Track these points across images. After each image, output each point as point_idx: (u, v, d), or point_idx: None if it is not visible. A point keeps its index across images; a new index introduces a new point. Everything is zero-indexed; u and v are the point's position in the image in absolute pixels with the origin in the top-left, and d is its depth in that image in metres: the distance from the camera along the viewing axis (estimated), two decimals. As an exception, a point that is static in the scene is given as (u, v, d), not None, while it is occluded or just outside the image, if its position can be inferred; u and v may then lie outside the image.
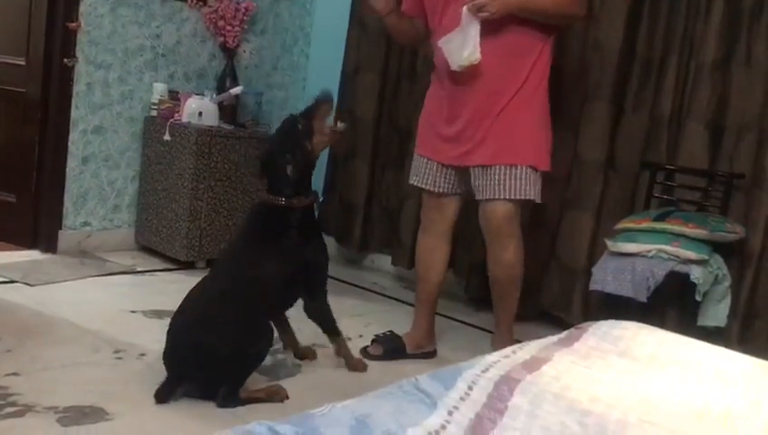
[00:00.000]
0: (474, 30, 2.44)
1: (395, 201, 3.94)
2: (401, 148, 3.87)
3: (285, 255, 2.32)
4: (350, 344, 2.82)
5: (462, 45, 2.46)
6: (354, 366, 2.55)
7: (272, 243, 2.33)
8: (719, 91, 2.93)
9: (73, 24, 3.48)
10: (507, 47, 2.52)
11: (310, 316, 2.46)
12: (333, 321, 2.48)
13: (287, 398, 2.23)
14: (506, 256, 2.67)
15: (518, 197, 2.57)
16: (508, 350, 1.54)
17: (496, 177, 2.56)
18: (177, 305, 2.26)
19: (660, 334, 1.83)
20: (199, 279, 2.34)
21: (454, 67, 2.50)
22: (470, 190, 2.67)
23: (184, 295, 2.27)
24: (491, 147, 2.55)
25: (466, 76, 2.50)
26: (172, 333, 2.18)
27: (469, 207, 2.77)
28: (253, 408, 2.14)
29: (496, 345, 2.68)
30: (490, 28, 2.46)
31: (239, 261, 2.34)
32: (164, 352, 2.18)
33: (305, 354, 2.58)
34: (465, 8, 2.43)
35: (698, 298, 2.65)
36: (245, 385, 2.19)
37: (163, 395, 2.11)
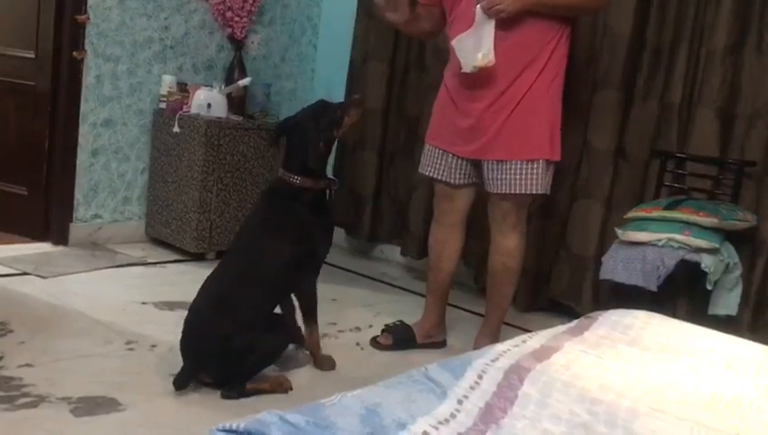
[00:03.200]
0: (488, 30, 2.38)
1: (404, 191, 3.94)
2: (410, 138, 3.86)
3: (295, 236, 2.31)
4: (360, 335, 2.84)
5: (475, 47, 2.40)
6: (320, 363, 2.45)
7: (283, 224, 2.32)
8: (730, 79, 2.91)
9: (82, 17, 3.49)
10: (523, 41, 2.46)
11: (297, 296, 2.43)
12: (315, 306, 2.42)
13: (291, 389, 2.24)
14: (506, 243, 2.65)
15: (532, 192, 2.56)
16: (518, 339, 1.54)
17: (512, 172, 2.53)
18: (189, 296, 2.27)
19: (671, 323, 1.83)
20: (209, 271, 2.35)
21: (467, 69, 2.43)
22: (483, 181, 2.65)
23: (195, 287, 2.28)
24: (508, 141, 2.52)
25: (483, 71, 2.44)
26: (188, 319, 2.21)
27: (482, 199, 2.76)
28: (263, 398, 2.16)
29: (478, 342, 2.69)
30: (505, 22, 2.40)
31: (252, 243, 2.35)
32: (181, 339, 2.20)
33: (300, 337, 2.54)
34: (478, 7, 2.38)
35: (709, 287, 2.64)
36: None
37: (180, 382, 2.13)
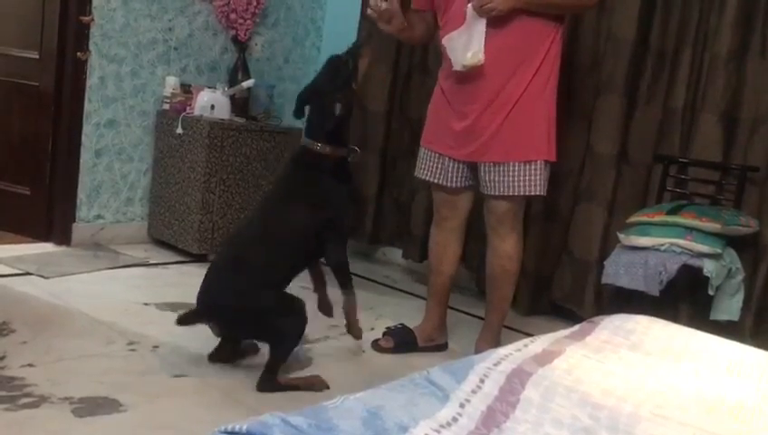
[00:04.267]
0: (478, 29, 2.39)
1: (406, 194, 3.94)
2: (412, 140, 3.85)
3: (314, 202, 2.33)
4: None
5: (466, 45, 2.41)
6: (352, 329, 2.47)
7: (302, 189, 2.35)
8: (733, 84, 2.91)
9: (86, 18, 3.50)
10: (516, 40, 2.45)
11: (331, 267, 2.42)
12: (349, 275, 2.43)
13: (327, 388, 2.26)
14: (504, 246, 2.65)
15: (529, 193, 2.55)
16: (520, 343, 1.54)
17: (510, 173, 2.52)
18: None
19: (673, 328, 1.82)
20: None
21: (457, 67, 2.45)
22: (479, 183, 2.64)
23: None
24: (505, 143, 2.51)
25: (476, 71, 2.45)
26: (207, 273, 2.28)
27: (482, 201, 2.76)
28: (266, 399, 2.16)
29: (479, 345, 2.68)
30: (498, 21, 2.40)
31: (272, 206, 2.39)
32: (198, 292, 2.26)
33: (327, 309, 2.55)
34: (469, 6, 2.38)
35: (711, 292, 2.64)
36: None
37: (185, 320, 2.27)
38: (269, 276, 2.23)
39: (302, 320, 2.26)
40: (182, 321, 2.25)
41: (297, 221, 2.30)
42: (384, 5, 2.48)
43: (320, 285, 2.51)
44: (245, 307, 2.21)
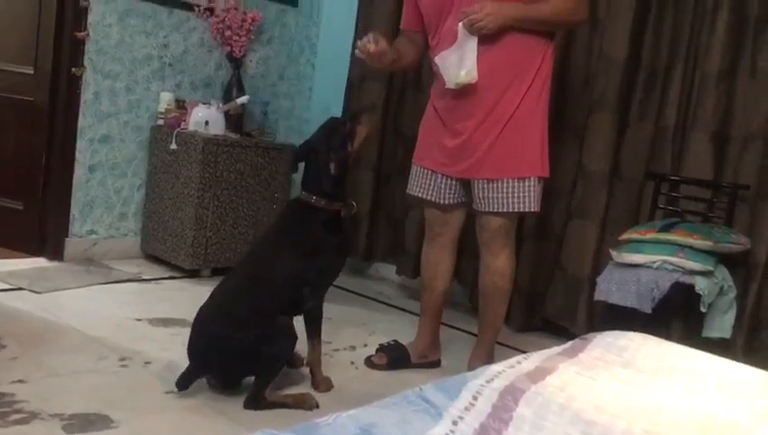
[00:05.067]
0: (470, 47, 2.40)
1: (399, 210, 3.95)
2: (406, 157, 3.85)
3: (304, 251, 2.34)
4: (354, 354, 2.84)
5: (458, 64, 2.42)
6: (317, 383, 2.41)
7: (293, 237, 2.36)
8: (724, 102, 2.94)
9: (82, 34, 3.51)
10: (509, 56, 2.47)
11: (304, 313, 2.41)
12: (319, 323, 2.42)
13: (317, 406, 2.24)
14: (496, 263, 2.64)
15: (523, 209, 2.56)
16: (513, 360, 1.54)
17: (503, 190, 2.52)
18: (183, 313, 2.28)
19: (665, 345, 1.83)
20: (204, 287, 2.36)
21: (449, 85, 2.45)
22: (472, 199, 2.64)
23: (189, 303, 2.29)
24: (498, 159, 2.52)
25: (469, 88, 2.46)
26: (194, 321, 2.26)
27: (474, 217, 2.77)
28: (257, 417, 2.15)
29: (472, 362, 2.67)
30: (489, 38, 2.42)
31: (262, 252, 2.40)
32: (188, 342, 2.24)
33: (294, 362, 2.54)
34: (460, 25, 2.39)
35: (703, 309, 2.64)
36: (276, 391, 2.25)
37: (182, 382, 2.20)
38: (252, 324, 2.20)
39: (290, 341, 2.26)
40: (180, 384, 2.20)
41: (284, 269, 2.31)
42: (372, 47, 2.45)
43: None
44: (233, 354, 2.18)
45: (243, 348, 2.18)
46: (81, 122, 3.60)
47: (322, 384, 2.43)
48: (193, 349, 2.24)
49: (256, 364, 2.20)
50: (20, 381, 2.20)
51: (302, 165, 2.46)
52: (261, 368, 2.21)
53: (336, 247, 2.42)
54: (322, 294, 2.42)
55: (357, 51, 2.52)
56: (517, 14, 2.42)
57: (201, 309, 2.29)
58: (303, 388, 2.40)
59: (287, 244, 2.36)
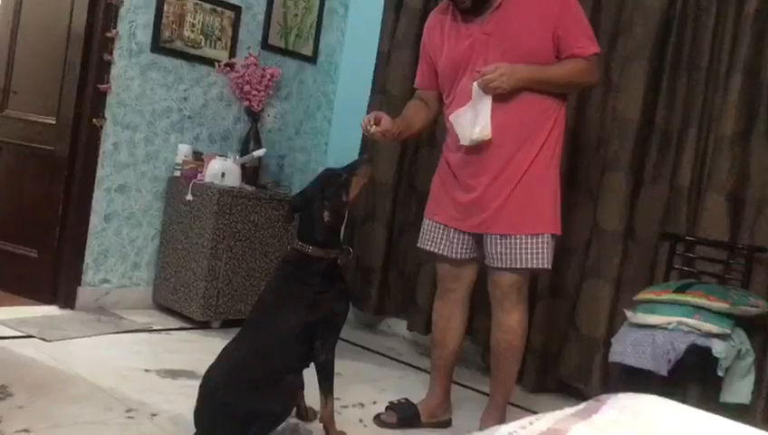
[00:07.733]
0: (485, 106, 2.43)
1: (412, 265, 3.94)
2: (419, 212, 3.87)
3: (308, 306, 2.32)
4: (363, 411, 2.79)
5: (473, 121, 2.45)
6: None
7: (293, 293, 2.34)
8: (738, 164, 2.93)
9: (104, 87, 3.59)
10: (522, 116, 2.50)
11: (316, 365, 2.37)
12: (332, 376, 2.38)
13: None
14: (508, 320, 2.61)
15: (535, 266, 2.54)
16: (525, 421, 1.50)
17: (517, 246, 2.52)
18: (191, 365, 2.26)
19: (681, 410, 1.78)
20: (214, 340, 2.34)
21: (464, 142, 2.48)
22: (484, 255, 2.63)
23: (198, 355, 2.27)
24: (512, 215, 2.52)
25: (482, 144, 2.49)
26: (201, 389, 2.21)
27: (486, 274, 2.75)
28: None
29: (484, 423, 2.62)
30: (503, 97, 2.45)
31: (265, 313, 2.37)
32: (195, 408, 2.20)
33: (306, 414, 2.52)
34: (475, 84, 2.43)
35: (721, 373, 2.59)
36: None
37: None
38: (261, 387, 2.17)
39: (292, 401, 2.24)
40: None
41: (290, 326, 2.29)
42: (373, 129, 2.49)
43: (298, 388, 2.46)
44: (238, 418, 2.14)
45: (248, 411, 2.13)
46: (99, 172, 3.64)
47: None
48: (199, 416, 2.19)
49: (256, 422, 2.15)
50: (25, 430, 2.17)
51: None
52: (260, 426, 2.16)
53: (336, 295, 2.40)
54: (333, 345, 2.39)
55: (362, 130, 2.56)
56: (531, 75, 2.45)
57: (209, 372, 2.23)
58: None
59: (288, 299, 2.34)
